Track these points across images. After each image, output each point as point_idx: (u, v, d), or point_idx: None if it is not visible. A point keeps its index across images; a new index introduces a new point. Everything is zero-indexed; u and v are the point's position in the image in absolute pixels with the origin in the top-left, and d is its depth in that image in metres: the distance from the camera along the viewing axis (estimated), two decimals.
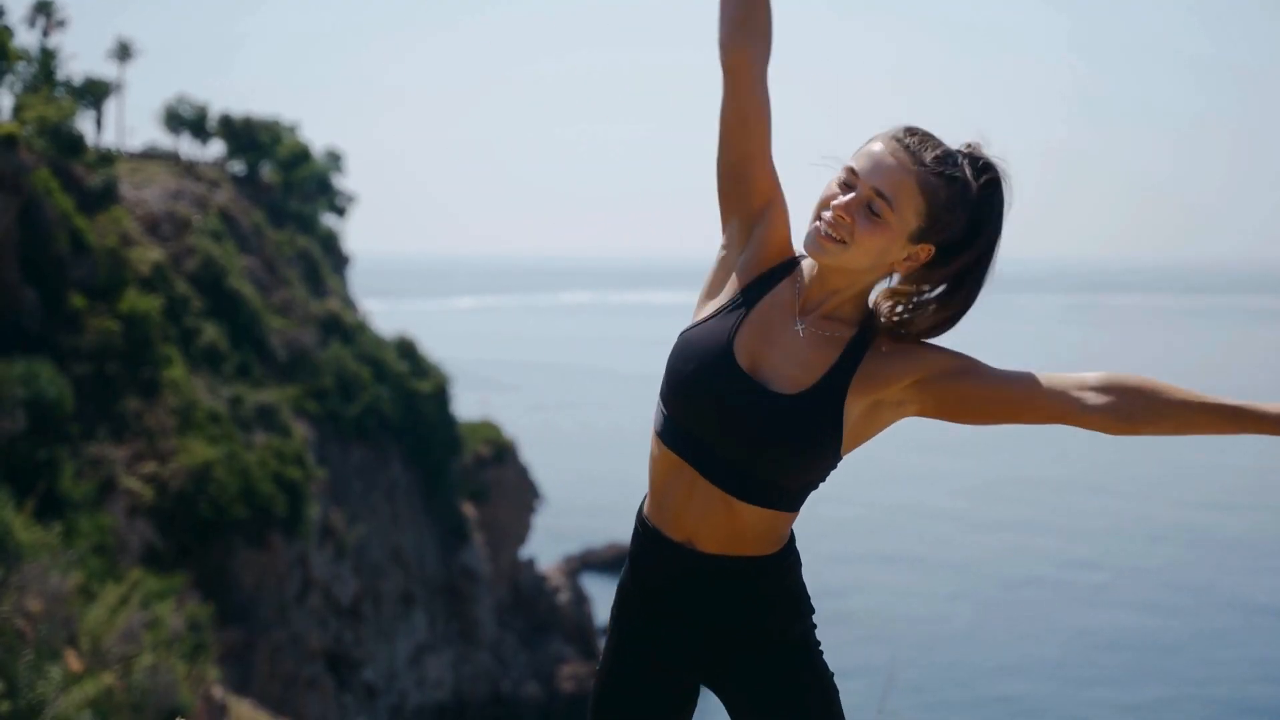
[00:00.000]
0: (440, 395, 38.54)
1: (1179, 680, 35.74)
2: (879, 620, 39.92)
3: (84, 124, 39.07)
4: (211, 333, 31.51)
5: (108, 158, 32.27)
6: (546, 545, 44.15)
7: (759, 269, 2.41)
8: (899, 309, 2.37)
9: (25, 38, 48.22)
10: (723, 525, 2.36)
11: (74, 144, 31.28)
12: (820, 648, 2.46)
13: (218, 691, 21.31)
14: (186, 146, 44.17)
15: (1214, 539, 49.55)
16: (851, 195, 2.27)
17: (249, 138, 43.35)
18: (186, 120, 44.15)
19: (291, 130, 45.28)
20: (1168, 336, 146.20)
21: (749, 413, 2.29)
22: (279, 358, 33.85)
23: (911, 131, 2.29)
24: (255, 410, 30.60)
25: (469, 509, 38.41)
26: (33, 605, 15.38)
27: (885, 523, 52.78)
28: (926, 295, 2.36)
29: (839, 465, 2.40)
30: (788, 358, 2.33)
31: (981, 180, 2.31)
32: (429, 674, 35.18)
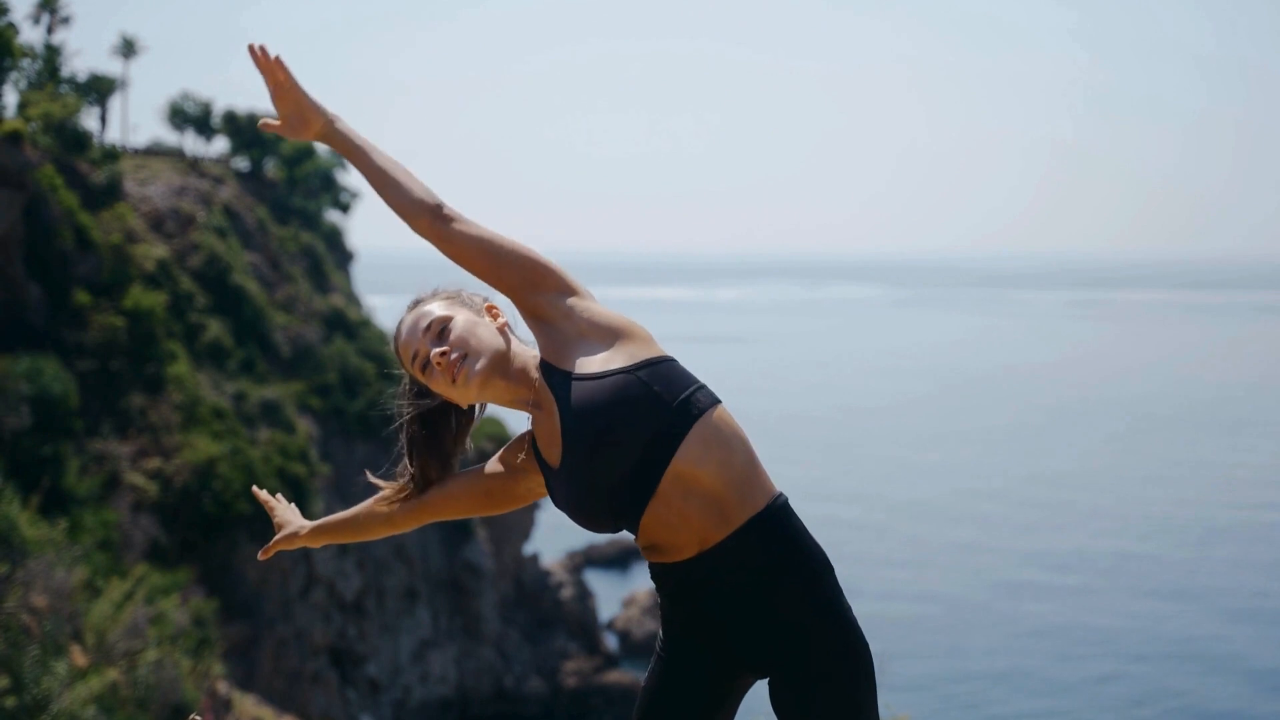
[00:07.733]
0: None
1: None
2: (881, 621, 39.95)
3: (88, 121, 39.19)
4: (215, 329, 31.55)
5: (112, 154, 32.28)
6: (550, 541, 44.13)
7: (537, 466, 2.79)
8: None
9: (30, 35, 48.37)
10: (710, 503, 2.55)
11: (78, 141, 31.33)
12: (845, 605, 2.59)
13: (222, 686, 21.38)
14: (191, 143, 44.23)
15: (1207, 539, 49.52)
16: (429, 355, 2.71)
17: (253, 134, 43.35)
18: (191, 117, 44.17)
19: None
20: (1173, 332, 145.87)
21: (592, 441, 2.59)
22: (283, 353, 33.89)
23: (407, 311, 2.84)
24: (259, 406, 30.65)
25: None
26: (38, 601, 15.42)
27: (884, 524, 52.81)
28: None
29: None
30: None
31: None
32: (432, 669, 35.22)
